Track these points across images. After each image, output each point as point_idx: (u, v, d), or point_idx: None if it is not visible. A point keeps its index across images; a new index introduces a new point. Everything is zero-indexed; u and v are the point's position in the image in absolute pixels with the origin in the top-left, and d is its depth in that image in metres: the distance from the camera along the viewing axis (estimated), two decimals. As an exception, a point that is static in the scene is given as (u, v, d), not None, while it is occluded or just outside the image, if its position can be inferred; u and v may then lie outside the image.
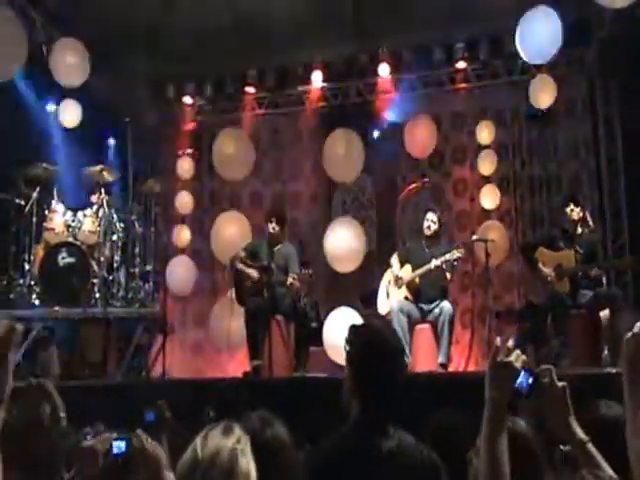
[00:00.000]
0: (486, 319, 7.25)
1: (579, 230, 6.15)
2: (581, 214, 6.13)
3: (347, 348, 2.41)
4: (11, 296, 7.12)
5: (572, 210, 6.13)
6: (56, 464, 2.22)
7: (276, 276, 6.57)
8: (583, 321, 5.88)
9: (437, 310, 6.34)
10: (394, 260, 6.86)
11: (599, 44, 7.89)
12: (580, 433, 1.88)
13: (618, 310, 5.63)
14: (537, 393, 1.86)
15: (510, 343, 1.90)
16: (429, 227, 6.65)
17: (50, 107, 8.07)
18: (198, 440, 1.78)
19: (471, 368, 6.96)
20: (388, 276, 6.92)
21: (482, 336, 7.31)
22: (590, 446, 1.88)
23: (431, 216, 6.71)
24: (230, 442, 1.77)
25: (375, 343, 2.36)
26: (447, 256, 6.32)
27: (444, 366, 6.21)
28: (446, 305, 6.32)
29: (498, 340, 1.90)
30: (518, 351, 1.89)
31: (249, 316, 6.60)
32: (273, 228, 6.90)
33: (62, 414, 2.57)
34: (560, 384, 1.89)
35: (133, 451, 2.12)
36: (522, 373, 1.84)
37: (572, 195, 6.46)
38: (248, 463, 1.78)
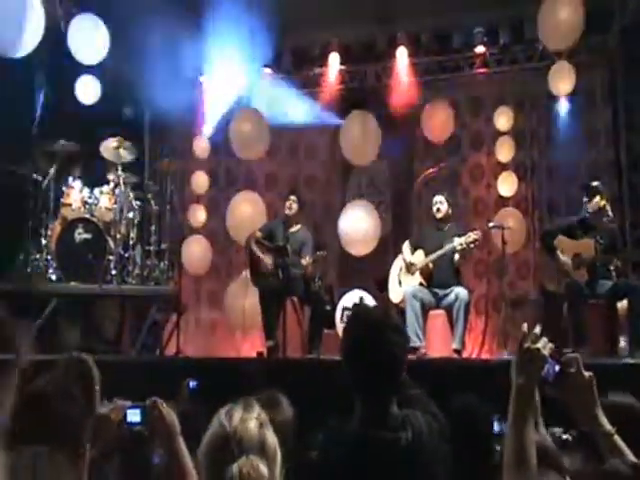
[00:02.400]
0: (501, 307, 7.23)
1: (599, 220, 6.11)
2: (602, 203, 6.07)
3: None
4: (28, 270, 7.15)
5: (590, 201, 6.08)
6: (80, 435, 2.23)
7: (291, 258, 6.59)
8: (601, 311, 5.83)
9: (452, 296, 6.29)
10: (405, 247, 6.84)
11: (621, 31, 7.82)
12: (606, 424, 1.87)
13: (636, 301, 5.59)
14: (563, 382, 1.86)
15: (537, 330, 1.90)
16: (438, 210, 6.63)
17: (69, 83, 8.05)
18: (222, 416, 1.80)
19: (484, 355, 6.96)
20: (399, 264, 6.90)
21: (496, 324, 7.31)
22: (616, 437, 1.88)
23: (439, 199, 6.68)
24: (254, 415, 1.80)
25: (362, 326, 2.27)
26: (462, 239, 6.28)
27: (458, 352, 6.19)
28: (462, 291, 6.28)
29: (525, 326, 1.90)
30: (545, 339, 1.88)
31: (263, 296, 6.66)
32: (290, 207, 6.91)
33: (97, 386, 2.60)
34: (587, 374, 1.88)
35: (149, 417, 2.15)
36: (548, 361, 1.84)
37: (592, 185, 6.33)
38: (272, 435, 1.81)
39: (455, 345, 6.18)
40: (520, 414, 1.78)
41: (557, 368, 1.84)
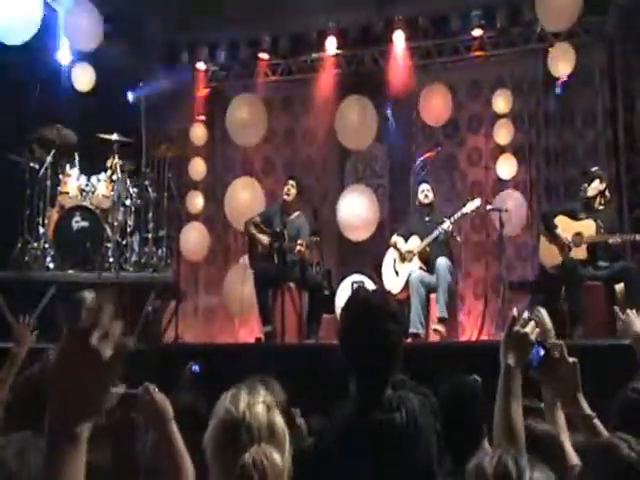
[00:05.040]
0: (499, 289, 7.24)
1: (599, 204, 6.10)
2: (602, 187, 6.08)
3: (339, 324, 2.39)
4: (25, 259, 7.16)
5: (588, 187, 6.08)
6: None
7: (287, 243, 6.59)
8: (598, 293, 5.83)
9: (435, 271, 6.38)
10: (398, 239, 6.84)
11: (619, 12, 7.76)
12: (587, 409, 1.92)
13: (633, 284, 5.59)
14: (547, 366, 1.89)
15: (525, 315, 1.93)
16: (426, 196, 6.77)
17: (64, 70, 8.03)
18: (227, 401, 1.79)
19: (483, 338, 6.96)
20: (392, 255, 6.89)
21: (495, 306, 7.31)
22: (596, 421, 1.91)
23: (425, 187, 6.82)
24: (260, 399, 1.79)
25: (361, 312, 2.30)
26: (463, 210, 6.44)
27: (443, 320, 6.21)
28: (441, 261, 6.33)
29: (515, 311, 1.93)
30: (533, 323, 1.91)
31: (258, 281, 6.69)
32: (288, 191, 6.91)
33: None
34: (571, 360, 1.91)
35: (141, 402, 2.15)
36: (535, 345, 1.88)
37: (592, 170, 6.31)
38: (280, 417, 1.80)
39: (439, 313, 6.22)
40: (508, 394, 1.81)
41: (542, 353, 1.87)
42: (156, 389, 2.20)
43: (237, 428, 1.71)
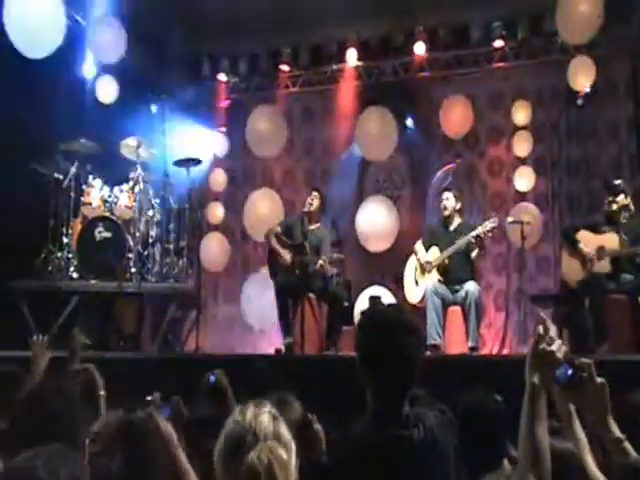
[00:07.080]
0: (521, 302, 7.18)
1: (623, 218, 5.98)
2: (626, 202, 5.99)
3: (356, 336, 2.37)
4: (49, 268, 7.25)
5: (612, 201, 6.00)
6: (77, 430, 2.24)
7: (309, 256, 6.58)
8: (623, 306, 5.70)
9: (463, 292, 6.24)
10: (419, 247, 6.76)
11: (642, 23, 7.71)
12: (617, 431, 1.87)
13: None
14: (576, 386, 1.84)
15: (552, 332, 1.89)
16: (445, 207, 6.61)
17: (88, 83, 8.12)
18: (235, 415, 1.81)
19: (505, 351, 6.90)
20: (413, 264, 6.82)
21: (516, 319, 7.25)
22: (626, 444, 1.87)
23: (445, 195, 6.67)
24: (266, 410, 1.82)
25: (378, 328, 2.29)
26: (480, 229, 6.26)
27: (475, 349, 6.14)
28: (471, 287, 6.21)
29: (540, 328, 1.89)
30: (560, 341, 1.87)
31: (279, 292, 6.67)
32: (311, 201, 6.90)
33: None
34: (600, 381, 1.86)
35: (147, 428, 2.19)
36: (562, 364, 1.83)
37: (616, 184, 6.18)
38: (285, 428, 1.82)
39: (470, 343, 6.12)
40: (533, 414, 1.78)
41: (570, 372, 1.82)
42: (160, 416, 2.23)
43: (243, 437, 1.73)
